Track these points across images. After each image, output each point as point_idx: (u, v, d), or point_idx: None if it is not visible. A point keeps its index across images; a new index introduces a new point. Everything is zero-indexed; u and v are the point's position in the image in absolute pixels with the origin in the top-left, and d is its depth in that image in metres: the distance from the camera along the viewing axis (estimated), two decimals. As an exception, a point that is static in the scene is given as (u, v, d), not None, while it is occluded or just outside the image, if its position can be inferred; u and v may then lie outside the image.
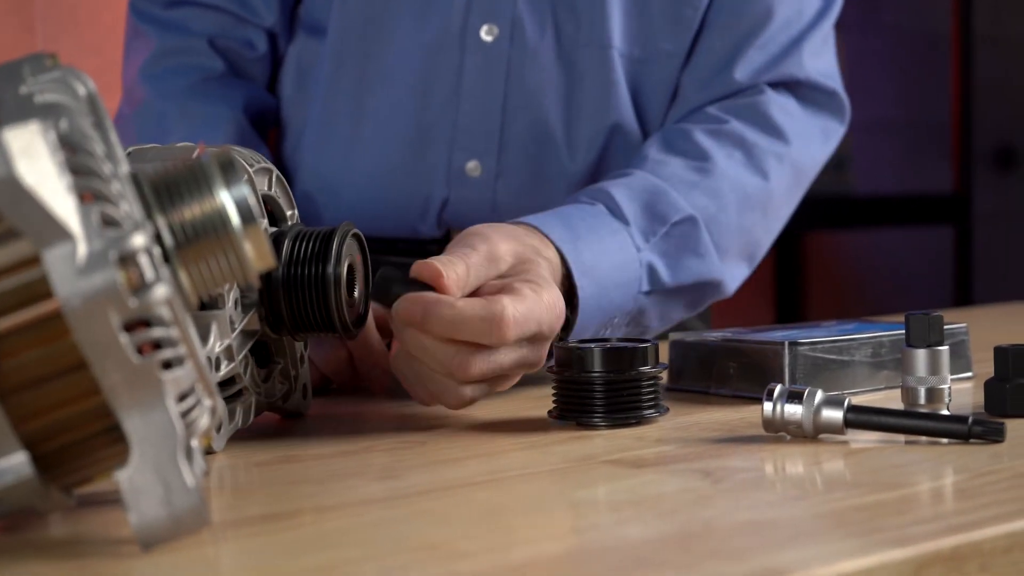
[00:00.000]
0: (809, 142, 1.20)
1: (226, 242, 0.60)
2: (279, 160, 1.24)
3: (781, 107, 1.18)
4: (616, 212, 1.06)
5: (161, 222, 0.60)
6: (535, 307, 0.85)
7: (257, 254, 0.61)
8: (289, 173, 1.22)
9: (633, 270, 1.05)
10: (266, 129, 1.24)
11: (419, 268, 0.85)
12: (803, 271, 3.37)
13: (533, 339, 0.86)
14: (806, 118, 1.20)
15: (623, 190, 1.07)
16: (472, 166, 1.17)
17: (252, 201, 0.61)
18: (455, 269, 0.85)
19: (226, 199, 0.60)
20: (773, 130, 1.17)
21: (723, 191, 1.12)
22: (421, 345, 0.84)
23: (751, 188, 1.14)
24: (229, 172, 0.61)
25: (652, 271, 1.07)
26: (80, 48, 2.11)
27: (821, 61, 1.21)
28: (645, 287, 1.06)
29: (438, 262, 0.85)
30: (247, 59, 1.22)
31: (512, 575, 0.54)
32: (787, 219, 1.20)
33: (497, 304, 0.83)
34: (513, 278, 0.88)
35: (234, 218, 0.60)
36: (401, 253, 1.20)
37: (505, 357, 0.85)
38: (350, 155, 1.20)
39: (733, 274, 1.15)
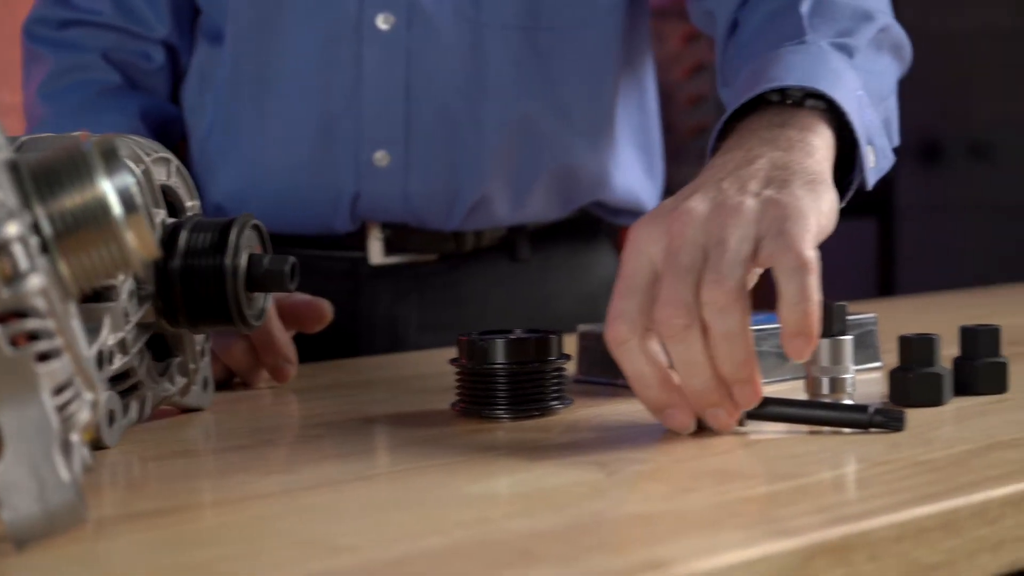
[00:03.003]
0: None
1: (107, 232, 0.59)
2: (188, 170, 1.23)
3: None
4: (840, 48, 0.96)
5: (40, 211, 0.58)
6: (813, 228, 0.74)
7: (140, 244, 0.60)
8: (199, 184, 1.21)
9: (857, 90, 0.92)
10: (172, 140, 1.23)
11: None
12: (729, 263, 3.38)
13: None
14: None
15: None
16: (380, 156, 1.16)
17: (135, 190, 0.59)
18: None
19: (107, 188, 0.59)
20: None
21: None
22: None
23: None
24: (111, 160, 0.59)
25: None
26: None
27: None
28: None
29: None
30: (144, 71, 1.22)
31: (393, 569, 0.53)
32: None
33: (807, 296, 0.72)
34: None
35: (115, 207, 0.59)
36: (317, 247, 1.19)
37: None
38: (257, 157, 1.19)
39: None
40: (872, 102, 0.93)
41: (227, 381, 1.00)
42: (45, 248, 0.59)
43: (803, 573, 0.55)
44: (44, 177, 0.59)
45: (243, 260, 0.84)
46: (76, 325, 0.60)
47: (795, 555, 0.55)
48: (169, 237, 0.83)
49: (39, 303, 0.56)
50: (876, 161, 0.91)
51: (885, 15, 1.05)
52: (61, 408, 0.57)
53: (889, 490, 0.63)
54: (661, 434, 0.78)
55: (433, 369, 1.06)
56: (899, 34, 1.06)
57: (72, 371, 0.58)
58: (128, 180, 0.59)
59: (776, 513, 0.60)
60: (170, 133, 1.24)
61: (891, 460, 0.70)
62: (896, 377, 0.86)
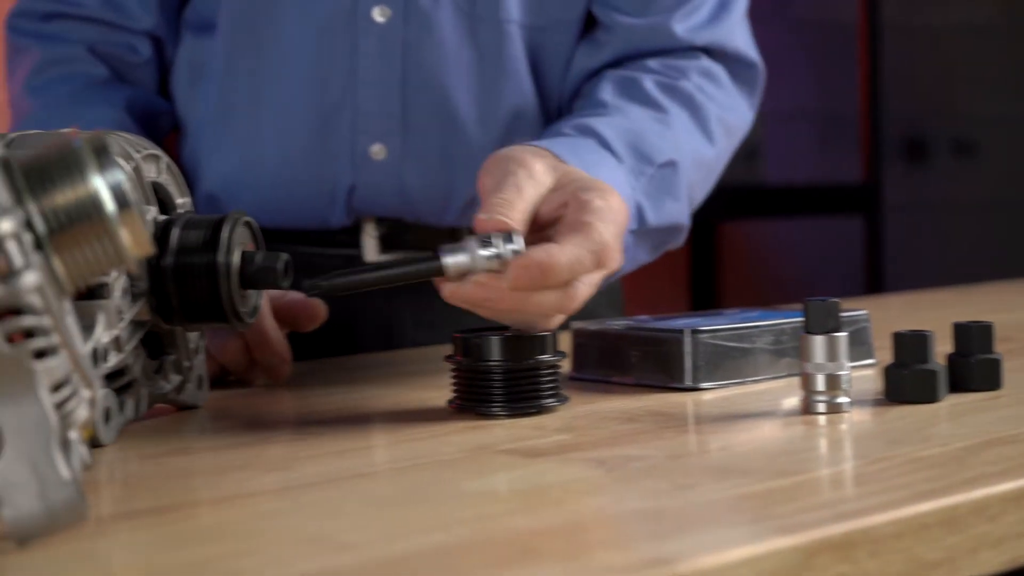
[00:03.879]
0: (737, 111, 1.20)
1: (100, 228, 0.59)
2: (179, 164, 1.22)
3: (715, 74, 1.19)
4: (608, 148, 1.04)
5: (32, 208, 0.58)
6: (615, 215, 0.83)
7: (134, 240, 0.59)
8: (190, 175, 1.21)
9: (629, 207, 1.02)
10: (159, 133, 1.23)
11: (483, 225, 0.81)
12: (717, 261, 3.38)
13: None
14: (734, 87, 1.21)
15: (608, 128, 1.06)
16: (376, 149, 1.16)
17: (127, 187, 0.59)
18: (514, 211, 0.82)
19: (99, 184, 0.59)
20: (711, 94, 1.17)
21: (681, 147, 1.11)
22: (534, 300, 0.81)
23: (700, 148, 1.14)
24: (103, 157, 0.59)
25: (640, 211, 1.06)
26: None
27: (745, 32, 1.23)
28: (633, 225, 1.05)
29: (496, 212, 0.81)
30: (130, 64, 1.21)
31: (394, 567, 0.53)
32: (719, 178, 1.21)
33: (595, 233, 0.81)
34: (570, 191, 0.85)
35: (108, 204, 0.59)
36: (312, 243, 1.19)
37: (598, 274, 0.84)
38: (251, 149, 1.18)
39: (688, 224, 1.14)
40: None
41: (222, 379, 1.00)
42: (39, 245, 0.58)
43: (806, 569, 0.55)
44: (36, 174, 0.59)
45: (236, 257, 0.83)
46: (72, 322, 0.60)
47: (798, 551, 0.54)
48: (161, 234, 0.83)
49: (34, 300, 0.55)
50: None
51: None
52: (59, 405, 0.57)
53: (888, 487, 0.63)
54: (658, 431, 0.78)
55: (428, 366, 1.05)
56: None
57: (69, 368, 0.57)
58: (120, 176, 0.59)
59: (777, 510, 0.60)
60: (158, 125, 1.23)
61: (889, 457, 0.70)
62: (891, 374, 0.86)
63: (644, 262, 1.13)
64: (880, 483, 0.64)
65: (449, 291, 0.81)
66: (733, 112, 1.19)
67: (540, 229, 0.85)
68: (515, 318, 0.83)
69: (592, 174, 0.95)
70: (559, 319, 0.84)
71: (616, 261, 0.83)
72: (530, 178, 0.85)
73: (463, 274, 0.80)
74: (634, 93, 1.13)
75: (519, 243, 0.80)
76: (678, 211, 1.11)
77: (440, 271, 0.80)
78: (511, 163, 0.86)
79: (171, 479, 0.71)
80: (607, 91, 1.13)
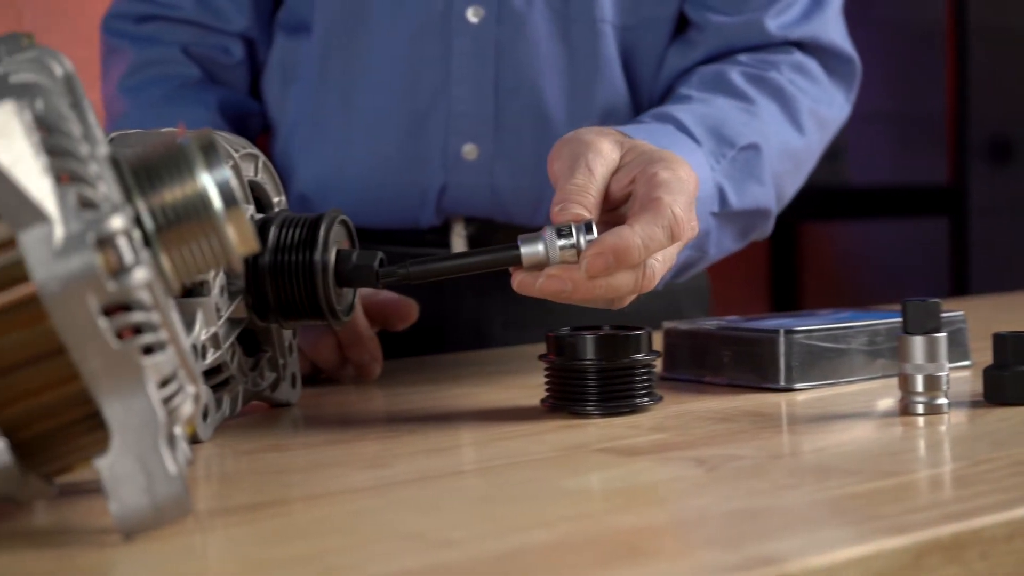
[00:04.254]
0: (831, 104, 1.19)
1: (208, 226, 0.59)
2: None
3: (808, 68, 1.18)
4: (686, 131, 1.04)
5: (141, 205, 0.58)
6: (683, 185, 0.83)
7: (240, 238, 0.60)
8: (281, 176, 1.21)
9: (708, 188, 1.03)
10: (250, 134, 1.24)
11: (559, 217, 0.82)
12: (798, 262, 3.36)
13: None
14: (828, 83, 1.20)
15: (687, 113, 1.06)
16: (468, 149, 1.16)
17: (234, 184, 0.59)
18: (588, 197, 0.83)
19: (207, 182, 0.59)
20: (804, 88, 1.16)
21: (768, 135, 1.11)
22: (611, 284, 0.81)
23: (789, 139, 1.13)
24: (211, 155, 0.59)
25: (721, 192, 1.06)
26: (69, 39, 2.09)
27: (841, 26, 1.22)
28: (715, 207, 1.05)
29: (570, 203, 0.82)
30: (223, 65, 1.23)
31: (501, 564, 0.52)
32: (808, 175, 1.20)
33: (664, 208, 0.81)
34: (637, 165, 0.85)
35: (216, 201, 0.59)
36: (401, 243, 1.19)
37: (674, 248, 0.84)
38: (343, 150, 1.18)
39: (775, 211, 1.14)
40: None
41: (313, 377, 1.00)
42: (147, 242, 0.59)
43: (915, 570, 0.54)
44: (144, 172, 0.60)
45: (332, 256, 0.84)
46: (176, 319, 0.60)
47: (907, 552, 0.54)
48: (259, 233, 0.84)
49: (144, 296, 0.56)
50: None
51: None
52: (166, 401, 0.57)
53: (996, 488, 0.62)
54: (755, 431, 0.77)
55: (518, 366, 1.05)
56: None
57: (176, 364, 0.58)
58: (227, 174, 0.59)
59: (883, 510, 0.59)
60: (249, 127, 1.24)
61: (994, 458, 0.69)
62: (991, 375, 0.85)
63: (731, 250, 1.13)
64: (987, 484, 0.63)
65: (519, 282, 0.81)
66: (826, 105, 1.18)
67: (613, 208, 0.85)
68: (589, 301, 0.83)
69: None
70: (633, 297, 0.84)
71: (689, 231, 0.83)
72: (599, 156, 0.85)
73: (540, 264, 0.81)
74: (720, 85, 1.12)
75: (594, 232, 0.80)
76: (763, 195, 1.10)
77: (517, 260, 0.81)
78: (579, 145, 0.86)
79: (267, 475, 0.72)
80: (692, 85, 1.13)
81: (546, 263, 0.81)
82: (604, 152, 0.85)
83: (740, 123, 1.08)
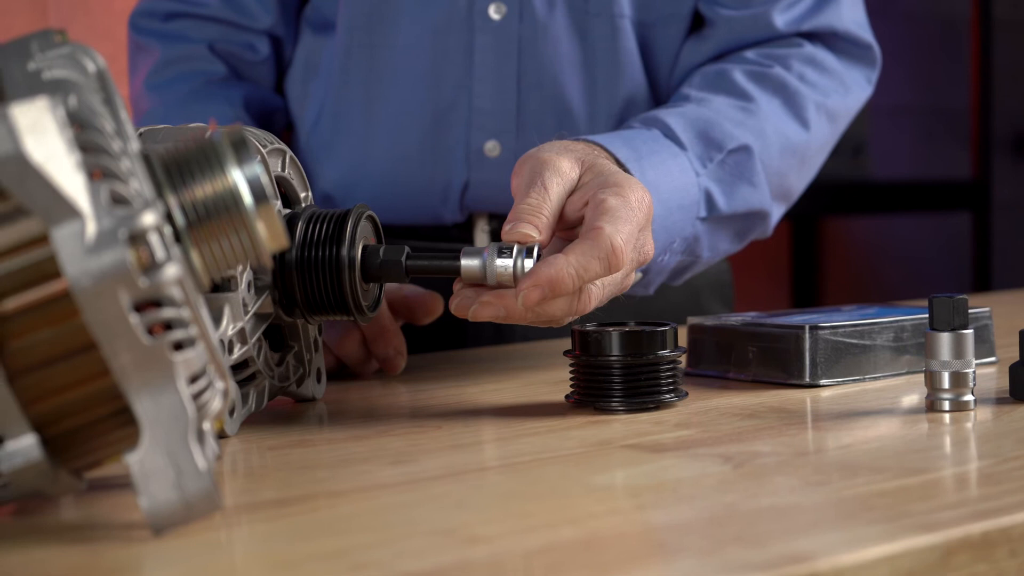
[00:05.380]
0: (846, 94, 1.19)
1: (238, 222, 0.59)
2: None
3: (819, 60, 1.17)
4: (672, 137, 1.04)
5: (172, 201, 0.59)
6: (630, 212, 0.83)
7: (270, 234, 0.60)
8: (306, 173, 1.22)
9: (693, 194, 1.04)
10: (274, 130, 1.24)
11: (507, 236, 0.83)
12: (819, 256, 3.35)
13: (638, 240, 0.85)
14: (844, 70, 1.19)
15: (676, 117, 1.06)
16: (491, 146, 1.16)
17: (265, 180, 0.60)
18: (540, 217, 0.83)
19: (238, 178, 0.59)
20: (812, 81, 1.16)
21: (767, 132, 1.11)
22: (544, 311, 0.82)
23: (792, 134, 1.13)
24: (241, 151, 0.60)
25: (709, 197, 1.06)
26: (92, 33, 2.10)
27: (857, 12, 1.21)
28: (702, 213, 1.05)
29: (521, 223, 0.83)
30: (249, 62, 1.23)
31: (530, 560, 0.53)
32: (819, 169, 1.19)
33: (602, 239, 0.81)
34: (590, 189, 0.85)
35: (246, 197, 0.59)
36: (425, 238, 1.19)
37: (619, 274, 0.84)
38: (366, 146, 1.19)
39: (774, 211, 1.14)
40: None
41: (337, 372, 1.00)
42: (177, 238, 0.59)
43: (944, 568, 0.54)
44: (175, 167, 0.60)
45: (359, 251, 0.84)
46: (206, 315, 0.61)
47: (936, 550, 0.54)
48: (285, 227, 0.84)
49: (175, 292, 0.56)
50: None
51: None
52: (196, 396, 0.57)
53: (1023, 486, 0.62)
54: (781, 427, 0.77)
55: (541, 361, 1.06)
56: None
57: (206, 360, 0.58)
58: (258, 170, 0.60)
59: (912, 507, 0.59)
60: (274, 123, 1.25)
61: (1021, 455, 0.68)
62: (1017, 372, 0.84)
63: (728, 251, 1.13)
64: (1015, 482, 0.63)
65: (455, 305, 0.83)
66: (840, 95, 1.17)
67: (569, 227, 0.86)
68: (526, 322, 0.84)
69: (643, 163, 0.96)
70: (571, 318, 0.84)
71: (636, 257, 0.83)
72: (556, 175, 0.85)
73: (477, 280, 0.82)
74: (720, 84, 1.12)
75: (534, 257, 0.82)
76: (756, 197, 1.10)
77: (457, 271, 0.82)
78: (537, 163, 0.86)
79: (294, 471, 0.72)
80: (693, 84, 1.13)
81: (483, 280, 0.82)
82: (562, 171, 0.86)
83: (734, 123, 1.08)
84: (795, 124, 1.13)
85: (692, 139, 1.05)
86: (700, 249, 1.07)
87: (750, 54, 1.16)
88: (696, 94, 1.11)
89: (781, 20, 1.17)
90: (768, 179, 1.10)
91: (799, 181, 1.16)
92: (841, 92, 1.18)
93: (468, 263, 0.82)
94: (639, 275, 1.02)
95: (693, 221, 1.04)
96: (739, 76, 1.13)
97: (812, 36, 1.19)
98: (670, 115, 1.06)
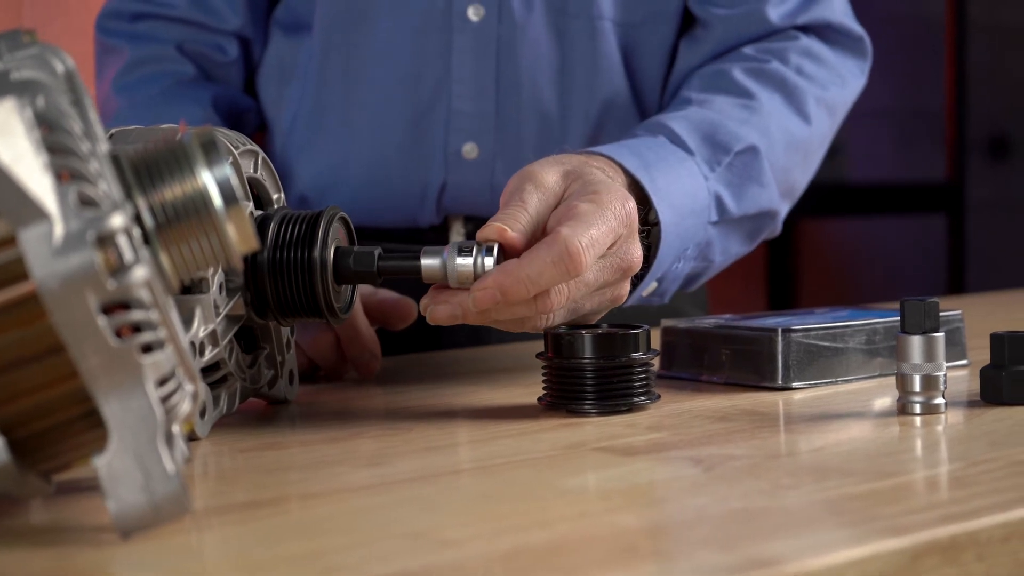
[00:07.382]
0: (843, 85, 1.19)
1: (208, 224, 0.59)
2: None
3: (815, 52, 1.18)
4: (679, 142, 1.04)
5: (141, 203, 0.59)
6: (599, 219, 0.82)
7: (240, 236, 0.60)
8: (281, 176, 1.21)
9: (703, 199, 1.03)
10: (245, 130, 1.24)
11: (483, 233, 0.82)
12: (795, 259, 3.36)
13: (614, 246, 0.84)
14: (839, 61, 1.20)
15: (681, 122, 1.06)
16: (468, 148, 1.16)
17: (235, 182, 0.59)
18: (516, 223, 0.83)
19: (208, 180, 0.59)
20: (810, 74, 1.16)
21: (771, 129, 1.11)
22: (503, 314, 0.82)
23: (795, 130, 1.13)
24: (211, 152, 0.59)
25: (719, 201, 1.06)
26: (69, 33, 2.09)
27: (847, 8, 1.22)
28: (713, 217, 1.05)
29: (498, 221, 0.83)
30: (218, 63, 1.23)
31: (500, 563, 0.53)
32: (820, 162, 1.20)
33: (558, 242, 0.80)
34: (570, 199, 0.85)
35: (216, 199, 0.59)
36: (400, 241, 1.19)
37: (588, 275, 0.83)
38: (343, 148, 1.18)
39: (782, 209, 1.14)
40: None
41: (310, 374, 1.00)
42: (146, 240, 0.59)
43: (912, 572, 0.54)
44: (145, 169, 0.60)
45: (331, 253, 0.84)
46: (176, 317, 0.60)
47: (904, 554, 0.54)
48: (258, 229, 0.83)
49: (143, 295, 0.56)
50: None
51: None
52: (164, 399, 0.57)
53: (994, 489, 0.62)
54: (753, 430, 0.77)
55: (516, 364, 1.05)
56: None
57: (175, 362, 0.58)
58: (228, 172, 0.59)
59: (881, 511, 0.59)
60: (244, 124, 1.24)
61: (991, 459, 0.69)
62: (988, 375, 0.85)
63: (741, 253, 1.12)
64: (985, 485, 0.63)
65: (421, 307, 0.83)
66: (837, 87, 1.18)
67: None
68: (489, 325, 0.84)
69: (652, 171, 0.96)
70: (540, 324, 0.84)
71: (587, 264, 0.80)
72: (537, 189, 0.85)
73: (438, 279, 0.82)
74: (720, 84, 1.12)
75: (494, 256, 0.81)
76: (765, 197, 1.10)
77: (418, 271, 0.82)
78: (522, 178, 0.86)
79: (266, 473, 0.72)
80: (693, 87, 1.13)
81: (444, 279, 0.82)
82: (545, 184, 0.86)
83: (738, 123, 1.08)
84: (797, 119, 1.13)
85: (698, 143, 1.05)
86: (713, 254, 1.07)
87: (748, 50, 1.16)
88: (697, 96, 1.11)
89: (775, 14, 1.17)
90: (775, 177, 1.10)
91: (803, 176, 1.16)
92: (838, 84, 1.18)
93: (428, 262, 0.82)
94: (654, 284, 1.02)
95: (704, 226, 1.04)
96: (738, 74, 1.13)
97: (806, 29, 1.19)
98: (674, 120, 1.06)
